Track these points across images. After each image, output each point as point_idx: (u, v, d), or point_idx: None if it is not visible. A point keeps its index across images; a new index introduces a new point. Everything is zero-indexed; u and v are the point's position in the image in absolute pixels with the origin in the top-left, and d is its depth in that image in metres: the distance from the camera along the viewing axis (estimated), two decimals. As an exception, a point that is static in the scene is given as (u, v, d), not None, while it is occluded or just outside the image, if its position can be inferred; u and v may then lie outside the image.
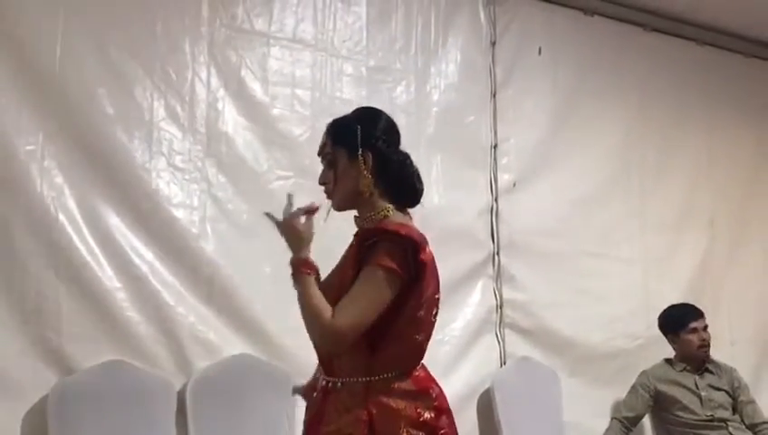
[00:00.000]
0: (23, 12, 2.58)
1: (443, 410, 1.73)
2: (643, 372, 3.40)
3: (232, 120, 2.92)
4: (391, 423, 1.65)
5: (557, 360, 3.56)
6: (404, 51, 3.38)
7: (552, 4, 3.81)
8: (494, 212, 3.52)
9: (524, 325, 3.52)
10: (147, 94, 2.77)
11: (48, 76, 2.61)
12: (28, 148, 2.55)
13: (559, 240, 3.66)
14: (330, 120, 1.84)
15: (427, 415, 1.69)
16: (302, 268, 1.68)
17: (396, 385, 1.69)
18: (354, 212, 1.80)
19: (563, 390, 3.47)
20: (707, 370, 3.35)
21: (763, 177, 4.50)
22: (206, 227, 2.80)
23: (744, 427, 3.25)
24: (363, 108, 1.91)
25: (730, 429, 3.20)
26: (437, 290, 1.78)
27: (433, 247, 3.10)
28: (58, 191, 2.58)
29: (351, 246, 1.76)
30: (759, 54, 4.54)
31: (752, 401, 3.34)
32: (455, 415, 3.39)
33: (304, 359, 2.84)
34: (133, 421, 2.54)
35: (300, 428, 2.75)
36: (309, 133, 3.01)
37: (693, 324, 3.32)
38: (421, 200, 1.84)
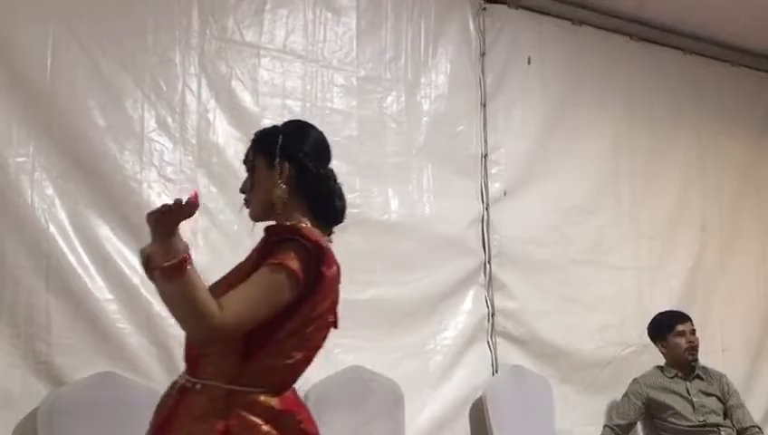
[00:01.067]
0: (13, 24, 2.59)
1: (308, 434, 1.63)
2: (635, 380, 3.41)
3: (223, 130, 2.93)
4: None
5: (549, 368, 3.57)
6: (394, 61, 3.40)
7: (541, 15, 3.84)
8: (484, 221, 3.53)
9: (516, 334, 3.53)
10: (137, 105, 2.78)
11: (39, 88, 2.61)
12: (19, 159, 2.54)
13: (550, 248, 3.68)
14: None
15: None
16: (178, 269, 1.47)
17: (261, 400, 1.58)
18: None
19: (555, 398, 3.47)
20: (698, 376, 3.37)
21: (752, 183, 4.54)
22: (197, 237, 2.79)
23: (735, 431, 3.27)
24: (293, 120, 1.86)
25: (722, 434, 3.22)
26: (333, 312, 1.69)
27: (425, 256, 3.11)
28: (49, 203, 2.57)
29: (258, 243, 1.68)
30: (745, 63, 4.58)
31: (741, 406, 3.35)
32: (448, 423, 3.40)
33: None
34: (125, 434, 2.52)
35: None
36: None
37: (680, 327, 3.34)
38: (343, 220, 1.75)
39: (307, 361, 1.66)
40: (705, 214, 4.29)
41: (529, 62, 3.74)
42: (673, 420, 3.29)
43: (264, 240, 1.65)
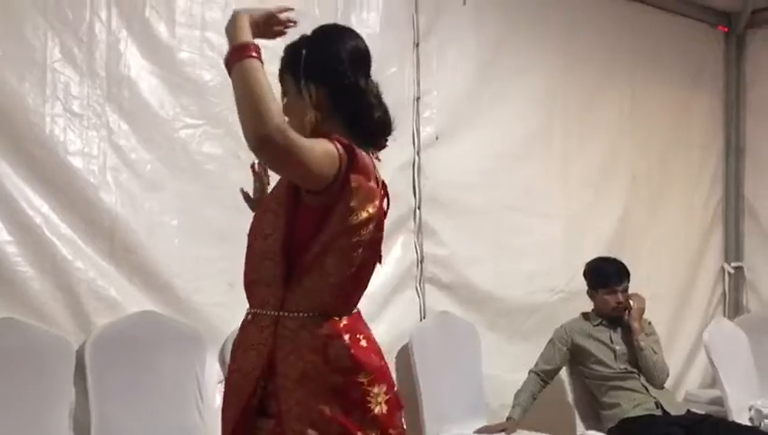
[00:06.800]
0: None
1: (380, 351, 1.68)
2: (560, 326, 3.43)
3: (135, 63, 2.72)
4: (342, 349, 1.56)
5: (477, 315, 3.56)
6: (323, -4, 3.23)
7: (478, -47, 3.71)
8: (415, 166, 3.45)
9: (445, 280, 3.50)
10: (39, 34, 2.55)
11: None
12: None
13: (481, 195, 3.64)
14: None
15: (375, 357, 1.63)
16: (243, 52, 1.43)
17: (308, 327, 1.56)
18: None
19: (483, 344, 3.47)
20: (622, 324, 3.38)
21: (683, 133, 4.58)
22: (106, 176, 2.62)
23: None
24: (322, 26, 1.67)
25: (641, 380, 3.27)
26: (379, 228, 1.61)
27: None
28: (-61, 138, 2.37)
29: None
30: (682, 12, 4.56)
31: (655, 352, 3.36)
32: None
33: (213, 316, 2.76)
34: (28, 383, 2.39)
35: (209, 387, 2.69)
36: (220, 78, 2.83)
37: (613, 287, 3.33)
38: (389, 132, 1.61)
39: (355, 280, 1.57)
40: (636, 163, 4.31)
41: (464, 3, 3.61)
42: (595, 366, 3.32)
43: None
